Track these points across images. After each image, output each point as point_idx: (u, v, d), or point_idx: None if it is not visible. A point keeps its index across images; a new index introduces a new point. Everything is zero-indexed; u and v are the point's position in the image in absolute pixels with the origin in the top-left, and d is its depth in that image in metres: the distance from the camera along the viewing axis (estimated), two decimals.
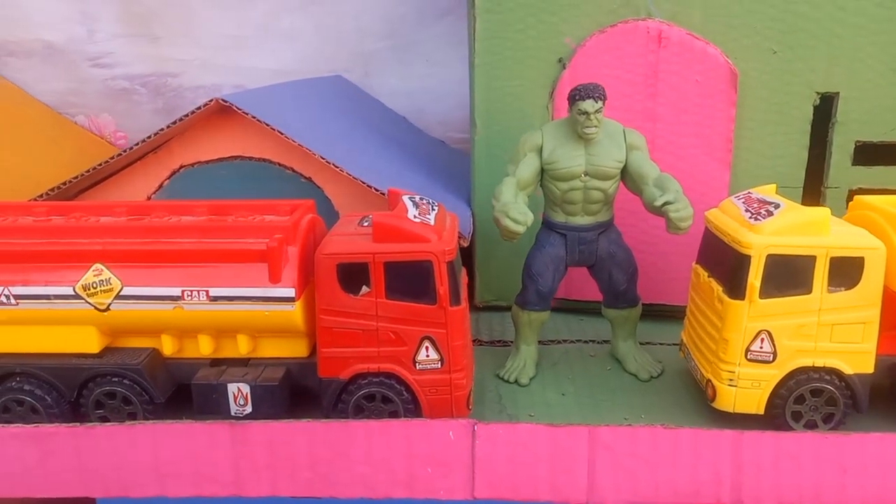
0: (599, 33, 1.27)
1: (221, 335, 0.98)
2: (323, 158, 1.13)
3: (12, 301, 0.93)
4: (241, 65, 1.98)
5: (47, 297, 0.93)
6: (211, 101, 1.14)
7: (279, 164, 1.22)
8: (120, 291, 0.93)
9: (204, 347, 0.98)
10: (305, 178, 1.22)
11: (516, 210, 1.00)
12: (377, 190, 1.14)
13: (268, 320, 0.93)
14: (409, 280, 0.92)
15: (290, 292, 0.92)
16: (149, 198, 1.23)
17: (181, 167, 1.22)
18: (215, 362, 1.00)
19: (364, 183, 1.14)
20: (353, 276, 0.93)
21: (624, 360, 1.17)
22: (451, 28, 1.91)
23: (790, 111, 1.28)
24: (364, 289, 0.93)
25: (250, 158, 1.22)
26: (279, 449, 0.88)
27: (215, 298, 0.93)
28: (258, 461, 0.88)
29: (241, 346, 0.98)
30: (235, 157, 1.22)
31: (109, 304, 0.93)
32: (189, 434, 0.88)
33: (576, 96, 1.04)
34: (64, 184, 1.17)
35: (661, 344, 1.26)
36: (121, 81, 2.01)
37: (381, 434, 0.87)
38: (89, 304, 0.93)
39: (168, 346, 0.98)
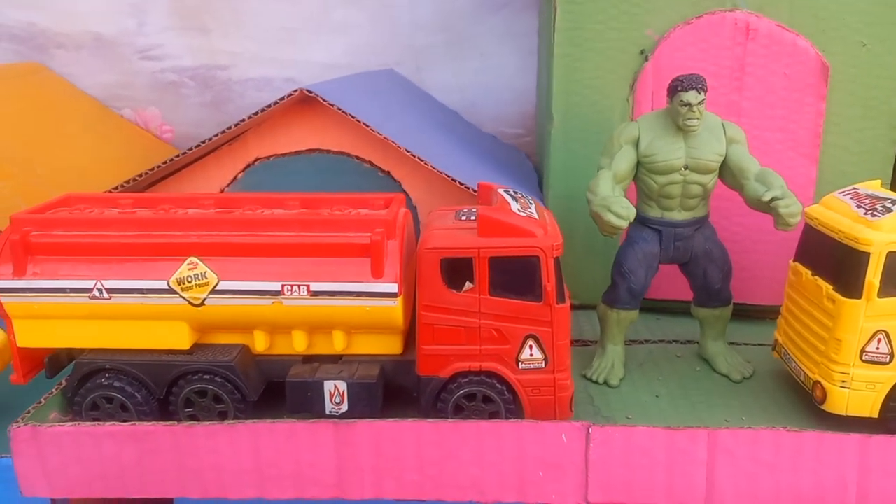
0: (684, 25, 1.23)
1: (316, 331, 0.95)
2: (408, 152, 1.10)
3: (104, 295, 0.90)
4: (292, 58, 1.95)
5: (140, 291, 0.90)
6: (295, 91, 1.11)
7: (357, 158, 1.19)
8: (216, 286, 0.90)
9: (297, 344, 0.95)
10: (384, 171, 1.19)
11: (618, 204, 0.97)
12: (462, 184, 1.11)
13: (368, 316, 0.90)
14: (515, 276, 0.89)
15: (393, 287, 0.89)
16: (222, 191, 1.21)
17: (256, 160, 1.20)
18: (307, 359, 0.98)
19: (449, 177, 1.11)
20: (456, 271, 0.90)
21: (713, 360, 1.13)
22: (507, 21, 1.88)
23: (878, 105, 1.24)
24: (467, 285, 0.90)
25: (328, 151, 1.19)
26: (385, 449, 0.85)
27: (316, 293, 0.89)
28: (363, 462, 0.86)
29: (336, 343, 0.95)
30: (313, 150, 1.19)
31: (204, 299, 0.90)
32: (291, 434, 0.85)
33: (678, 87, 1.01)
34: (140, 175, 1.14)
35: (745, 344, 1.22)
36: (169, 74, 1.99)
37: (492, 435, 0.84)
38: (183, 298, 0.90)
39: (260, 343, 0.95)
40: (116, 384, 0.93)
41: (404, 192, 1.20)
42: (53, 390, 0.97)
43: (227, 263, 0.90)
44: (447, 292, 0.89)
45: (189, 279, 0.90)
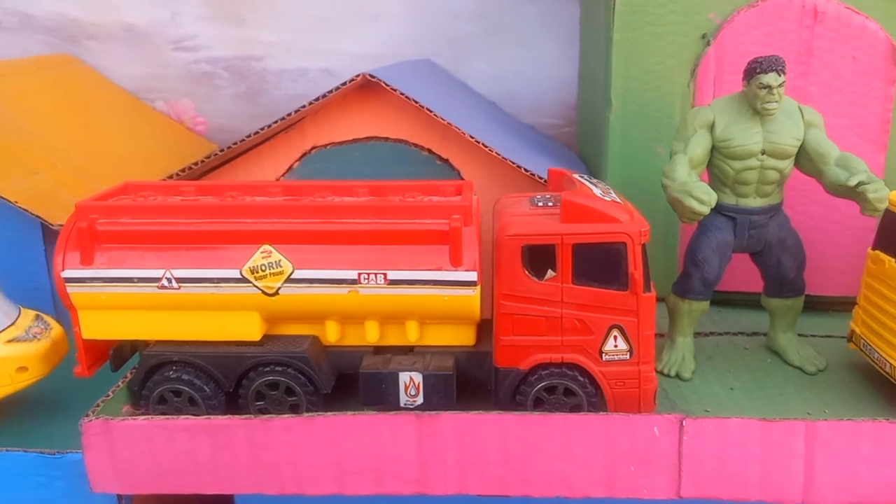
0: (749, 8, 1.20)
1: (388, 321, 0.92)
2: (473, 138, 1.07)
3: (174, 285, 0.88)
4: (328, 48, 1.92)
5: (212, 280, 0.87)
6: (358, 76, 1.08)
7: (415, 146, 1.16)
8: (291, 274, 0.87)
9: (370, 334, 0.92)
10: (442, 160, 1.16)
11: (700, 189, 0.94)
12: (528, 171, 1.08)
13: (445, 306, 0.87)
14: (600, 263, 0.86)
15: (472, 276, 0.86)
16: (277, 180, 1.18)
17: (313, 148, 1.16)
18: (378, 350, 0.95)
19: (515, 164, 1.07)
20: (537, 259, 0.87)
21: (785, 352, 1.10)
22: (546, 10, 1.84)
23: None
24: (549, 273, 0.87)
25: (385, 139, 1.16)
26: (469, 443, 0.82)
27: (393, 282, 0.87)
28: (446, 456, 0.83)
29: (409, 334, 0.92)
30: (370, 139, 1.16)
31: (279, 288, 0.87)
32: (372, 426, 0.82)
33: (756, 69, 0.98)
34: (195, 164, 1.11)
35: (812, 336, 1.19)
36: (203, 65, 1.96)
37: (581, 429, 0.81)
38: (257, 287, 0.87)
39: (332, 333, 0.92)
40: (185, 377, 0.91)
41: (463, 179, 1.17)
42: (119, 383, 0.94)
43: (302, 251, 0.87)
44: (528, 281, 0.87)
45: (263, 268, 0.87)
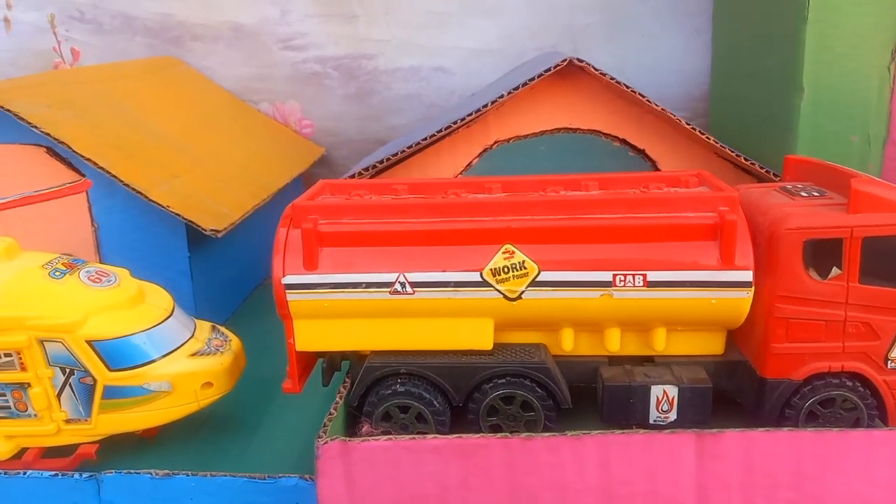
0: None
1: (633, 328, 0.83)
2: (688, 125, 0.99)
3: (408, 289, 0.79)
4: (442, 44, 1.84)
5: (448, 284, 0.79)
6: (564, 60, 1.00)
7: (607, 136, 1.08)
8: (536, 277, 0.78)
9: (610, 343, 0.83)
10: (637, 150, 1.08)
11: None
12: (748, 160, 0.99)
13: (711, 310, 0.78)
14: (893, 259, 0.77)
15: (747, 276, 0.77)
16: (455, 177, 1.10)
17: (495, 143, 1.09)
18: (613, 361, 0.86)
19: (733, 152, 0.99)
20: (818, 255, 0.78)
21: None
22: (673, 1, 1.76)
23: None
24: (834, 270, 0.78)
25: (575, 130, 1.08)
26: (756, 464, 0.73)
27: (653, 284, 0.78)
28: (729, 479, 0.73)
29: (656, 342, 0.83)
30: (558, 130, 1.08)
31: (522, 292, 0.79)
32: (648, 447, 0.73)
33: None
34: (380, 162, 1.04)
35: None
36: (312, 65, 1.89)
37: (886, 446, 0.72)
38: (498, 291, 0.79)
39: (567, 342, 0.84)
40: (413, 391, 0.83)
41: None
42: (338, 399, 0.86)
43: (549, 251, 0.79)
44: (808, 280, 0.77)
45: (505, 269, 0.79)
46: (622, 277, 0.78)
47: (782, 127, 1.25)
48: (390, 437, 0.75)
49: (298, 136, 1.93)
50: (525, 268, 0.79)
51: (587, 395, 0.86)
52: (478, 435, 0.75)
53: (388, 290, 0.79)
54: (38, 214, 1.16)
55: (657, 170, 1.08)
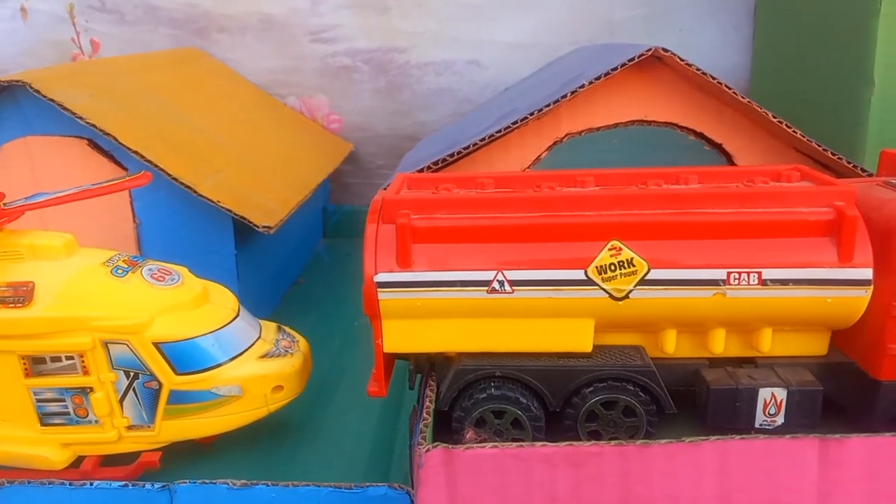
0: None
1: (738, 328, 0.79)
2: (775, 118, 0.95)
3: (506, 288, 0.75)
4: (476, 37, 1.80)
5: (550, 282, 0.75)
6: (648, 50, 0.96)
7: (683, 129, 1.04)
8: (645, 275, 0.74)
9: (714, 344, 0.79)
10: (713, 144, 1.04)
11: None
12: (836, 155, 0.95)
13: (826, 309, 0.74)
14: None
15: (867, 273, 0.73)
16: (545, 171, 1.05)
17: (566, 136, 1.05)
18: (713, 363, 0.83)
19: (823, 148, 0.95)
20: None
21: None
22: None
23: None
24: None
25: (650, 123, 1.04)
26: (882, 472, 0.70)
27: (768, 282, 0.74)
28: (853, 487, 0.70)
29: (762, 343, 0.79)
30: (633, 122, 1.04)
31: (629, 291, 0.75)
32: (769, 453, 0.70)
33: None
34: (451, 155, 0.99)
35: None
36: (342, 58, 1.84)
37: None
38: (604, 290, 0.75)
39: (669, 343, 0.80)
40: (509, 394, 0.78)
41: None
42: (427, 404, 0.82)
43: (659, 248, 0.74)
44: None
45: (612, 267, 0.75)
46: (736, 276, 0.74)
47: (849, 122, 1.22)
48: (496, 444, 0.71)
49: (326, 132, 1.88)
50: (633, 265, 0.75)
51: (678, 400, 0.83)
52: (590, 442, 0.71)
53: (486, 288, 0.75)
54: (76, 210, 1.10)
55: (733, 164, 1.04)
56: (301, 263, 1.66)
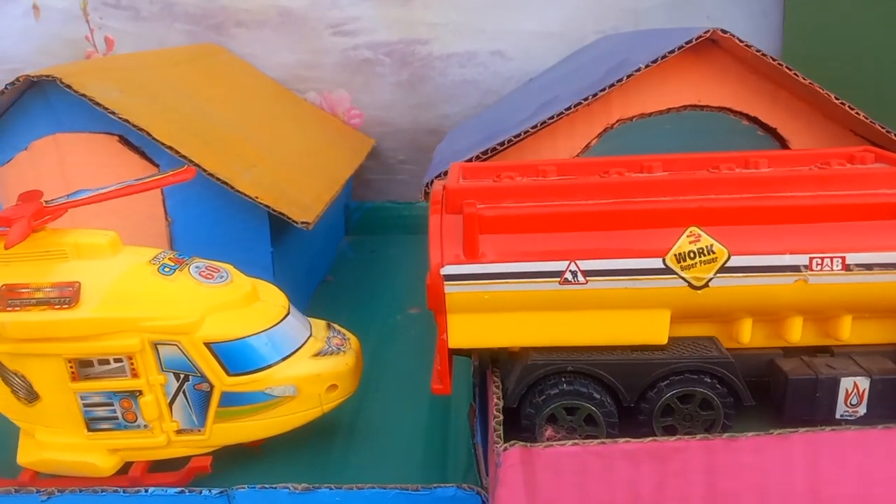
0: None
1: (815, 316, 0.77)
2: (837, 99, 0.92)
3: (579, 279, 0.72)
4: (500, 28, 1.77)
5: (627, 272, 0.72)
6: (707, 31, 0.93)
7: (737, 114, 1.01)
8: (726, 262, 0.71)
9: (791, 333, 0.77)
10: (767, 128, 1.01)
11: None
12: None
13: None
14: None
15: None
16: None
17: (617, 122, 1.02)
18: (787, 352, 0.80)
19: (883, 128, 0.93)
20: None
21: None
22: None
23: None
24: None
25: (703, 108, 1.01)
26: None
27: (853, 267, 0.72)
28: None
29: (840, 331, 0.76)
30: (686, 107, 1.01)
31: (709, 280, 0.72)
32: (861, 444, 0.67)
33: None
34: (501, 144, 0.96)
35: None
36: (363, 51, 1.81)
37: None
38: (683, 279, 0.72)
39: (744, 333, 0.77)
40: (583, 390, 0.76)
41: None
42: (496, 401, 0.79)
43: (737, 233, 0.72)
44: None
45: (691, 255, 0.72)
46: (819, 261, 0.71)
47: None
48: (576, 441, 0.68)
49: (348, 127, 1.85)
50: (713, 252, 0.72)
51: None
52: (675, 437, 0.68)
53: (558, 279, 0.72)
54: (106, 209, 1.07)
55: (787, 148, 1.02)
56: (328, 261, 1.63)
